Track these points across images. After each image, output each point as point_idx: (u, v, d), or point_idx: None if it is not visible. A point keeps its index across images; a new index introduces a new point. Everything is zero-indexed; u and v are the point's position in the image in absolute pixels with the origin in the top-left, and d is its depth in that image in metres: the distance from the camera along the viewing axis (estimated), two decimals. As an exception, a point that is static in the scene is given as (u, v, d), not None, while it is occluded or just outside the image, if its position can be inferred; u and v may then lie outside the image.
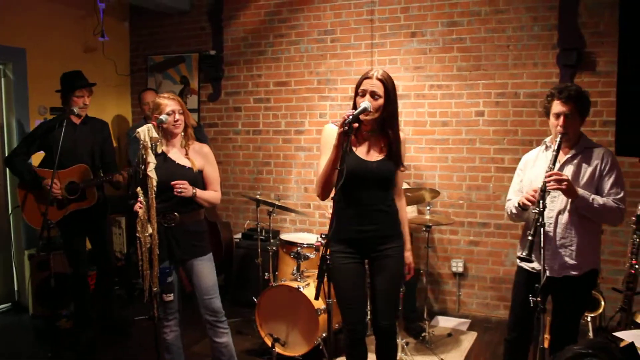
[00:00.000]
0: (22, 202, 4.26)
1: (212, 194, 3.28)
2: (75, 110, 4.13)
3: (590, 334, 3.94)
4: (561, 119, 2.81)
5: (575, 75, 4.50)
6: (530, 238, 2.62)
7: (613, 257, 4.46)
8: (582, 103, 2.84)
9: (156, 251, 2.92)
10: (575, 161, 2.88)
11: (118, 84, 6.28)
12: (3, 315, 5.10)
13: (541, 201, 2.64)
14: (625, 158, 4.14)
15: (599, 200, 2.77)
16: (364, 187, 2.81)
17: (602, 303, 3.97)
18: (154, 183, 2.89)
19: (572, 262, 2.84)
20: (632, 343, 1.82)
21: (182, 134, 3.24)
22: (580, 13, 4.47)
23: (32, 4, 5.17)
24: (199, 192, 3.17)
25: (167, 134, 3.18)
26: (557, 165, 2.83)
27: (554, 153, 2.76)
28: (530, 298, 2.45)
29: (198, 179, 3.23)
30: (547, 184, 2.68)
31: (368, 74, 2.76)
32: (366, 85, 2.73)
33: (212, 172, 3.32)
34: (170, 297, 3.11)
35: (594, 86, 4.38)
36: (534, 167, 3.02)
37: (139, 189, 2.90)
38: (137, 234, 2.90)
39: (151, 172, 2.88)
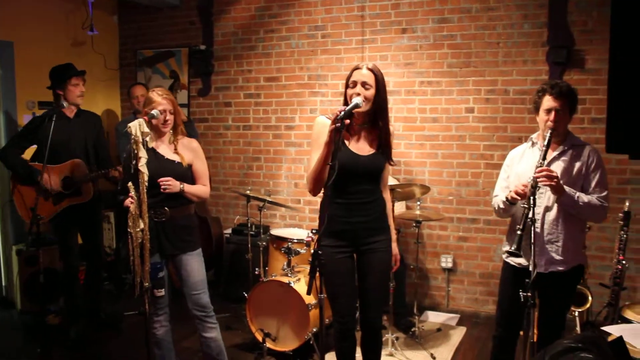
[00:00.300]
0: (14, 195, 4.21)
1: (201, 189, 3.28)
2: (64, 104, 4.11)
3: (578, 328, 3.98)
4: (552, 114, 2.83)
5: (565, 72, 4.54)
6: (519, 232, 2.64)
7: (600, 253, 4.52)
8: (572, 100, 2.87)
9: (147, 246, 2.91)
10: (563, 158, 2.91)
11: (107, 79, 6.23)
12: (-10, 311, 5.06)
13: (531, 197, 2.66)
14: (614, 155, 4.18)
15: (584, 198, 2.80)
16: (355, 181, 2.83)
17: (590, 298, 4.01)
18: (146, 178, 2.88)
19: (558, 257, 2.88)
20: (621, 337, 1.84)
21: (171, 131, 3.23)
22: (569, 11, 4.50)
23: (20, -3, 5.12)
24: (187, 187, 3.17)
25: (155, 130, 3.17)
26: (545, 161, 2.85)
27: (544, 148, 2.78)
28: (521, 293, 2.47)
29: (187, 174, 3.23)
30: (538, 179, 2.70)
31: (358, 65, 2.81)
32: (356, 76, 2.76)
33: (201, 167, 3.31)
34: (162, 292, 3.09)
35: (582, 83, 4.42)
36: (520, 163, 3.04)
37: (130, 183, 2.89)
38: (129, 229, 2.88)
39: (142, 167, 2.86)
